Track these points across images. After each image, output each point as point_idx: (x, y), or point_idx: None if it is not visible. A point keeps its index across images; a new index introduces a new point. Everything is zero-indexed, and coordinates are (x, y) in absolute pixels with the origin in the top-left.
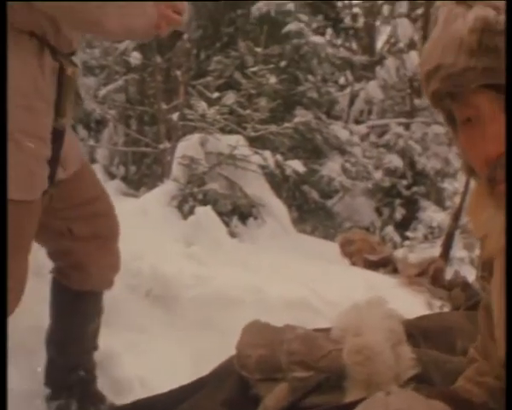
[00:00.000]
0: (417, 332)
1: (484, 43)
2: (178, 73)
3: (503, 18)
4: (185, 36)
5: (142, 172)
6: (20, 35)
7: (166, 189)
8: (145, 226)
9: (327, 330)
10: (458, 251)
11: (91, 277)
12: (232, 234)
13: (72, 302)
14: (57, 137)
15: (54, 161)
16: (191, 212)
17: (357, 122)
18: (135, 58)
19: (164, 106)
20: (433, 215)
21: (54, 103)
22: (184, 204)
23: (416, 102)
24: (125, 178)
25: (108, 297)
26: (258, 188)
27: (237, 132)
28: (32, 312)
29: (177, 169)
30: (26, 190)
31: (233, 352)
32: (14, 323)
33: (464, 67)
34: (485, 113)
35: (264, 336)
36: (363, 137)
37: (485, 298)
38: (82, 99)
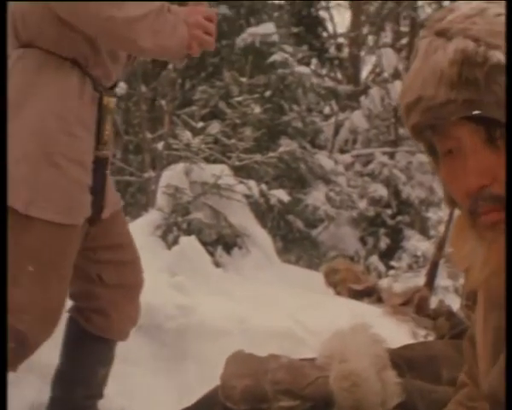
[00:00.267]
0: (402, 362)
1: (464, 76)
2: (163, 102)
3: (482, 49)
4: (170, 65)
5: (127, 201)
6: (62, 62)
7: (150, 218)
8: None
9: (311, 360)
10: (443, 280)
11: (113, 324)
12: (217, 264)
13: (88, 345)
14: (100, 165)
15: (99, 190)
16: (175, 241)
17: (342, 151)
18: (120, 87)
19: (149, 135)
20: (418, 244)
21: (95, 132)
22: (169, 234)
23: (401, 131)
24: None
25: None
26: (242, 217)
27: (222, 162)
28: None
29: (161, 198)
30: (67, 214)
31: (217, 382)
32: None
33: (445, 99)
34: (467, 145)
35: (249, 367)
36: (348, 167)
37: (470, 329)
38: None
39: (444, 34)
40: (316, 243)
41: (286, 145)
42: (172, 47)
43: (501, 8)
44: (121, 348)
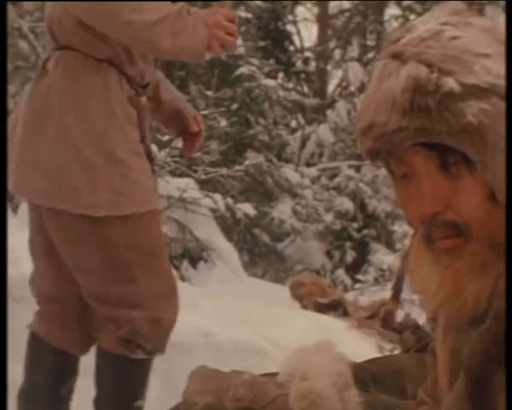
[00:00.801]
0: (366, 376)
1: (416, 103)
2: None
3: (435, 77)
4: None
5: None
6: (99, 63)
7: None
8: None
9: (275, 375)
10: (409, 294)
11: None
12: (182, 278)
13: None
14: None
15: None
16: None
17: (308, 165)
18: None
19: None
20: (384, 258)
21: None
22: None
23: None
24: None
25: None
26: (208, 231)
27: (187, 175)
28: None
29: None
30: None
31: (181, 398)
32: None
33: (397, 126)
34: (421, 171)
35: (211, 383)
36: (314, 180)
37: (433, 343)
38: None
39: (398, 57)
40: (282, 257)
41: (252, 159)
42: (192, 48)
43: (456, 31)
44: (84, 363)
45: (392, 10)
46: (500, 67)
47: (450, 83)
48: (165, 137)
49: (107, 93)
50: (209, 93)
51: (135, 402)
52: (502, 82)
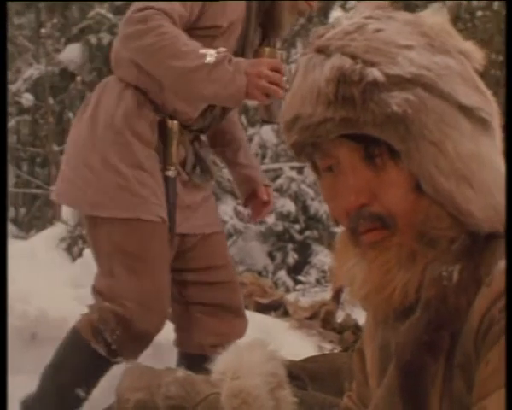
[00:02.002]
0: (304, 374)
1: (340, 94)
2: (71, 115)
3: (359, 67)
4: (78, 78)
5: (33, 215)
6: (125, 87)
7: (55, 231)
8: (33, 269)
9: (210, 374)
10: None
11: (191, 339)
12: None
13: None
14: (168, 183)
15: (170, 207)
16: (80, 254)
17: None
18: (27, 100)
19: (56, 148)
20: (326, 260)
21: (161, 152)
22: (73, 246)
23: None
24: (15, 221)
25: None
26: None
27: None
28: None
29: (66, 211)
30: (127, 208)
31: None
32: None
33: (322, 118)
34: (346, 163)
35: (144, 380)
36: None
37: (359, 342)
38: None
39: (323, 51)
40: None
41: None
42: (229, 95)
43: (380, 24)
44: (22, 361)
45: (336, 13)
46: (423, 59)
47: (375, 73)
48: None
49: (121, 114)
50: None
51: (75, 388)
52: (425, 73)
